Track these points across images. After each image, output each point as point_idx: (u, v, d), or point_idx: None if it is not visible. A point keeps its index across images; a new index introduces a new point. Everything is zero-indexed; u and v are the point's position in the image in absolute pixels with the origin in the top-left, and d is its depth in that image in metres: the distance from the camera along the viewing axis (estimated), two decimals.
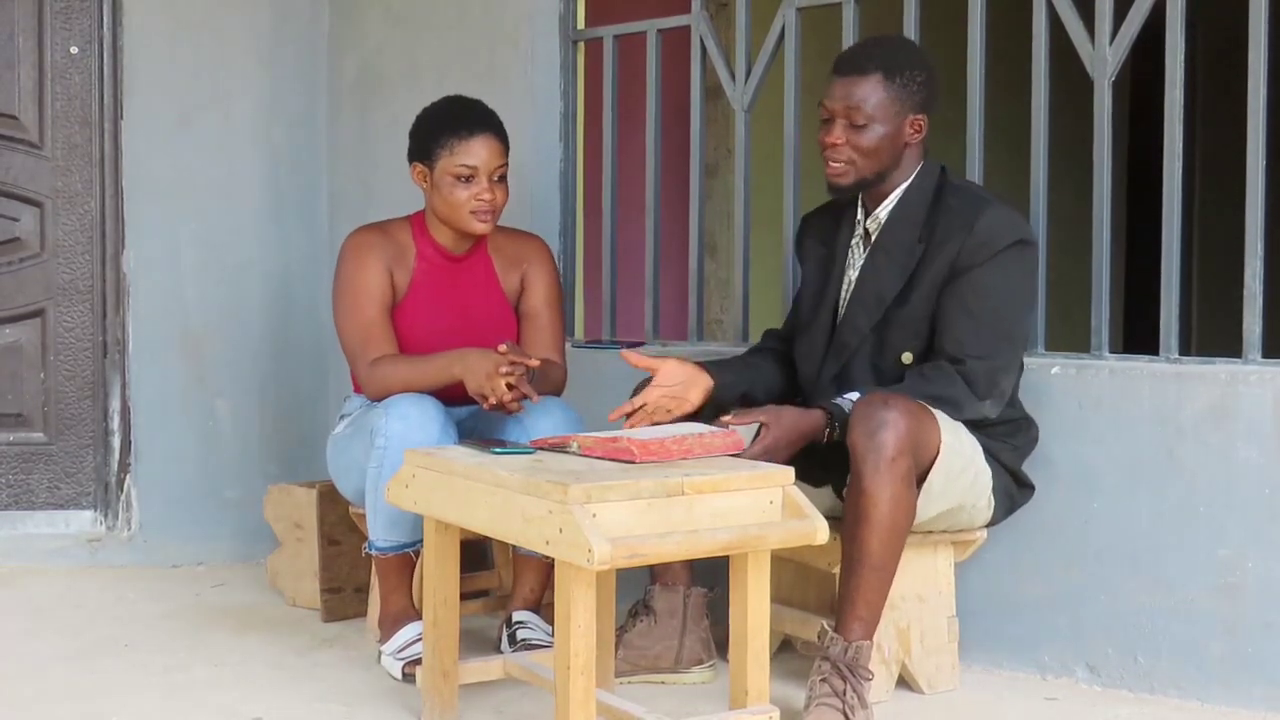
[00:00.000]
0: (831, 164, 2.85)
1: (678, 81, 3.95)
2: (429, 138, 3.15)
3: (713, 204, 5.22)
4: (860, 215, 2.97)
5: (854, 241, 2.98)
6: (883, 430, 2.59)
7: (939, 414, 2.73)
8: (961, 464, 2.75)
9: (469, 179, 3.11)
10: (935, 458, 2.69)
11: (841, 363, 2.92)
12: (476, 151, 3.11)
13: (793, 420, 2.73)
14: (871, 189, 2.90)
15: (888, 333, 2.87)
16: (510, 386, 2.91)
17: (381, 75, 4.26)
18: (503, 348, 2.94)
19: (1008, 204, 2.85)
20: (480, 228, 3.15)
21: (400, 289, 3.20)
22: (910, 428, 2.61)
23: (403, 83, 4.14)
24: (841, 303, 2.97)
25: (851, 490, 2.65)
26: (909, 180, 2.89)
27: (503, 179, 3.16)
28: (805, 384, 3.01)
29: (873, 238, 2.93)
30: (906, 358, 2.85)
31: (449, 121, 3.15)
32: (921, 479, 2.69)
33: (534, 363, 2.95)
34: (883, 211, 2.91)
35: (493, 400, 2.92)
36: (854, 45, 2.92)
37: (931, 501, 2.73)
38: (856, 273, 2.95)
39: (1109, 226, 3.08)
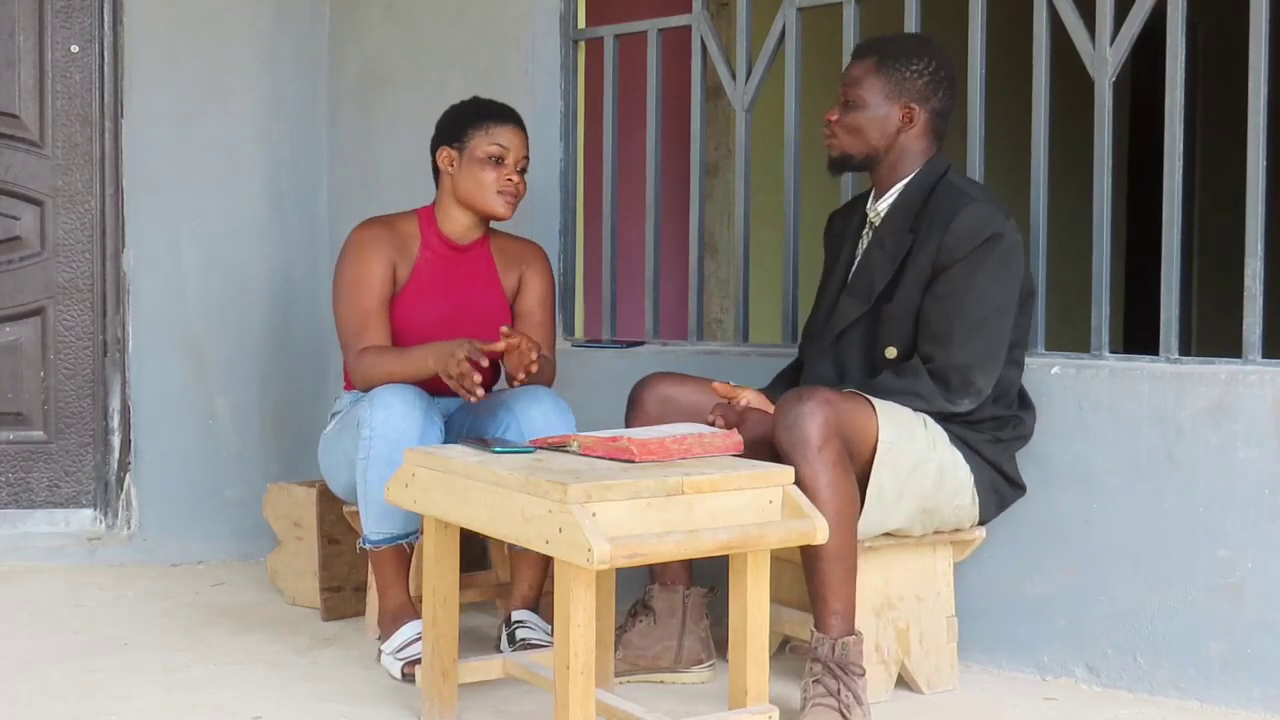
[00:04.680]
0: (827, 138, 2.95)
1: (678, 81, 3.95)
2: (463, 121, 3.26)
3: (713, 204, 5.22)
4: (871, 204, 2.99)
5: (864, 230, 3.00)
6: (800, 422, 2.59)
7: (882, 408, 2.71)
8: (912, 462, 2.72)
9: (499, 160, 3.21)
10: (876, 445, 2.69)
11: (836, 352, 2.93)
12: (509, 137, 3.23)
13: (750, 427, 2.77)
14: (875, 176, 2.94)
15: (878, 327, 2.87)
16: (477, 367, 2.92)
17: (382, 74, 4.26)
18: (504, 329, 2.98)
19: (992, 201, 2.84)
20: (503, 210, 3.23)
21: (402, 279, 3.24)
22: (829, 415, 2.61)
23: (403, 82, 4.14)
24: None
25: None
26: (914, 173, 2.90)
27: (524, 171, 3.27)
28: (806, 370, 3.02)
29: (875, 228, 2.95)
30: (890, 353, 2.85)
31: (482, 108, 3.28)
32: (867, 473, 2.68)
33: (499, 347, 2.98)
34: (883, 203, 2.93)
35: (454, 374, 2.93)
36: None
37: (893, 507, 2.72)
38: (859, 260, 2.97)
39: (1109, 226, 3.08)
